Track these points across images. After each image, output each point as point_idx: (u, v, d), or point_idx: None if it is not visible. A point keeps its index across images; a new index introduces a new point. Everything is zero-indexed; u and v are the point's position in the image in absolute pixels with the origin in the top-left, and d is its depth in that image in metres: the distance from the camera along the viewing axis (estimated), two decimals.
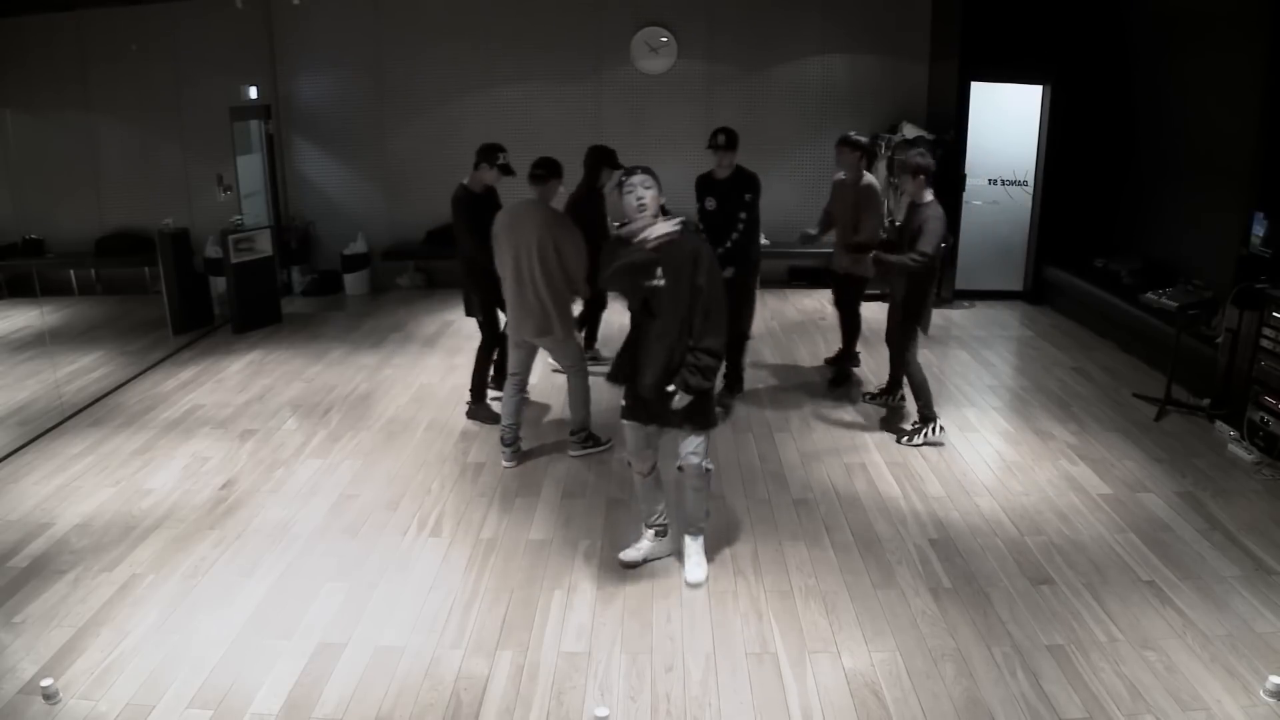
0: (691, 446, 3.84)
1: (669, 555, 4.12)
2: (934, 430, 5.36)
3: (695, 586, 3.91)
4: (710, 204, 5.72)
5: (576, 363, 5.11)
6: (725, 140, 5.61)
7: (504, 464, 5.12)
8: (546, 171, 4.88)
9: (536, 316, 4.82)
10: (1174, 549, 4.16)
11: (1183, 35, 6.87)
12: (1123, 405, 5.95)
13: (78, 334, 7.73)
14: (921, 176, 5.17)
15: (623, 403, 3.95)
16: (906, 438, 5.38)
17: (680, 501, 4.14)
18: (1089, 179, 8.07)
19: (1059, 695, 3.19)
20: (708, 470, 3.93)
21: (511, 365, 5.12)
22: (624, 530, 4.37)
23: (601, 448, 5.24)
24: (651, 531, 4.11)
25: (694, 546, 4.03)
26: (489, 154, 5.39)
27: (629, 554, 4.09)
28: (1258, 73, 5.69)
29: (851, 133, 6.10)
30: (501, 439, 5.13)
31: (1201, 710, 3.11)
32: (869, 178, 6.01)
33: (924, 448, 5.30)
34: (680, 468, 3.94)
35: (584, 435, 5.20)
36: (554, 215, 4.81)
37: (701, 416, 3.82)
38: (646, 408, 3.83)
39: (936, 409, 5.38)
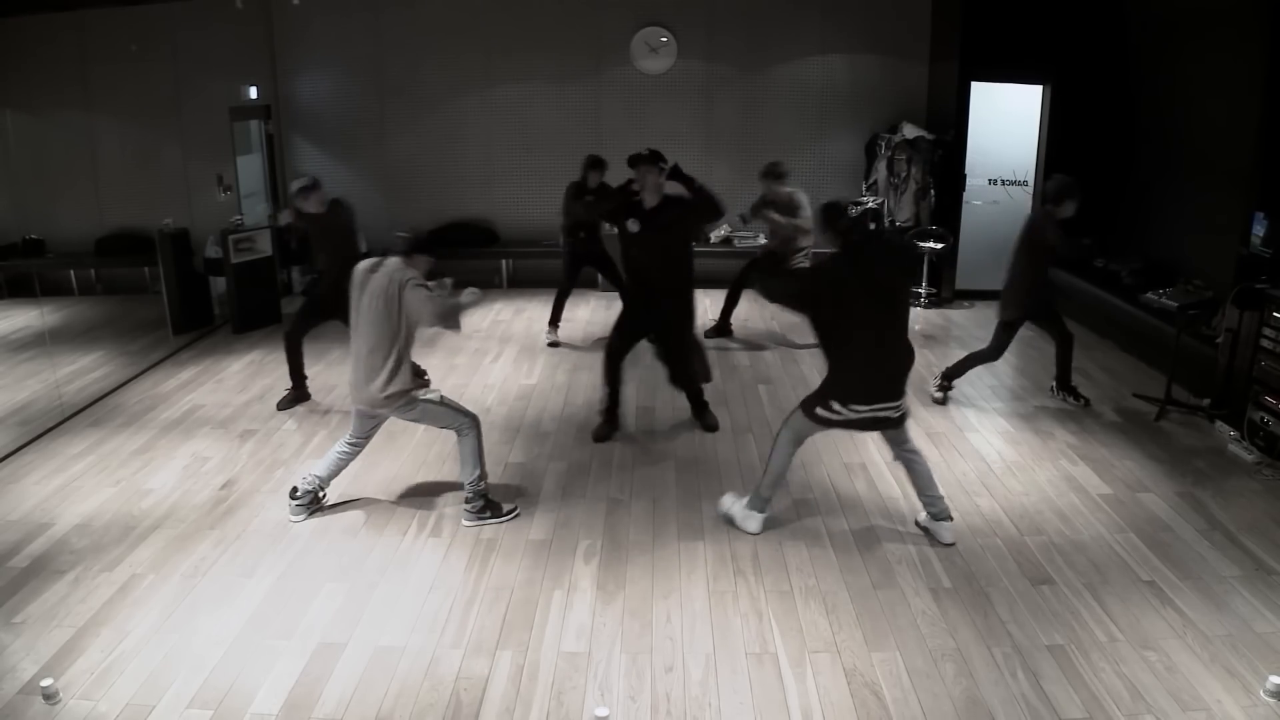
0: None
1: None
2: None
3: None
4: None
5: (451, 423, 4.41)
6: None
7: (290, 518, 4.46)
8: (410, 247, 4.31)
9: (362, 382, 4.31)
10: (1174, 549, 4.16)
11: (1183, 35, 6.87)
12: (1123, 405, 5.95)
13: (78, 334, 7.72)
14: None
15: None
16: None
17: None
18: (1089, 179, 8.02)
19: (1059, 695, 3.19)
20: None
21: (352, 432, 4.53)
22: (624, 530, 4.38)
23: (504, 518, 4.44)
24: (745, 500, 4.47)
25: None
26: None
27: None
28: (1258, 73, 5.69)
29: (771, 164, 6.83)
30: (294, 489, 4.50)
31: (1201, 710, 3.11)
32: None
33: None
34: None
35: (480, 504, 4.41)
36: (407, 272, 4.22)
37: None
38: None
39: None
